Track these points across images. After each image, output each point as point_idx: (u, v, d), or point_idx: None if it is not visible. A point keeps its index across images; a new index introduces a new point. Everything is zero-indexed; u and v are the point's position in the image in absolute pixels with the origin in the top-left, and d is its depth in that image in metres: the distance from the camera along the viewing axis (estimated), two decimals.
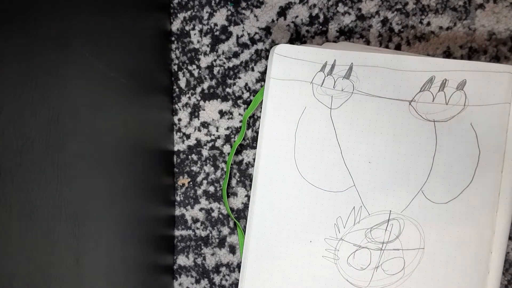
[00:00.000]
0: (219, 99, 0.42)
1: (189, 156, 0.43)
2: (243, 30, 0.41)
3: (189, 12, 0.42)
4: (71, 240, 0.26)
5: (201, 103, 0.43)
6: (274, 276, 0.39)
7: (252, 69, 0.42)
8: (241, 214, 0.43)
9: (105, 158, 0.30)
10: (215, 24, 0.42)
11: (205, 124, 0.43)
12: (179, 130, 0.43)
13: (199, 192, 0.43)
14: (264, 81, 0.41)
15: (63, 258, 0.26)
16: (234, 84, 0.42)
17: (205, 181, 0.43)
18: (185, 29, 0.42)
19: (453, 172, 0.37)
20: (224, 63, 0.42)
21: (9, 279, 0.21)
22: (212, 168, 0.43)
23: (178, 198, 0.44)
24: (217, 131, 0.43)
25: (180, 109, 0.43)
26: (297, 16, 0.41)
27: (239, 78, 0.42)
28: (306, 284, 0.38)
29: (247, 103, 0.42)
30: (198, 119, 0.43)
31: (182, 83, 0.43)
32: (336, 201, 0.38)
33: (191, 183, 0.43)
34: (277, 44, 0.40)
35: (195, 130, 0.43)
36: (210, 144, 0.43)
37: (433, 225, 0.37)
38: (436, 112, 0.37)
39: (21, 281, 0.22)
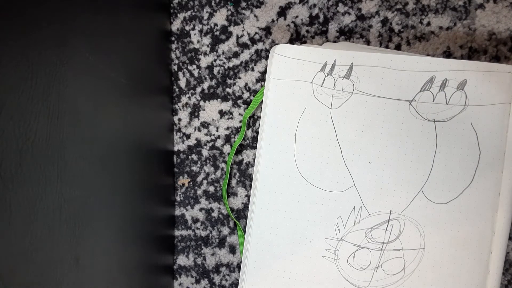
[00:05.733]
0: (219, 99, 0.42)
1: (189, 156, 0.43)
2: (243, 30, 0.41)
3: (189, 12, 0.42)
4: (71, 240, 0.26)
5: (201, 103, 0.43)
6: (274, 276, 0.39)
7: (252, 69, 0.42)
8: (241, 214, 0.43)
9: (105, 158, 0.30)
10: (215, 24, 0.42)
11: (205, 124, 0.43)
12: (179, 130, 0.43)
13: (199, 192, 0.43)
14: (264, 81, 0.41)
15: (63, 258, 0.26)
16: (234, 84, 0.42)
17: (205, 181, 0.43)
18: (185, 29, 0.42)
19: (453, 172, 0.37)
20: (224, 63, 0.42)
21: (9, 279, 0.21)
22: (212, 168, 0.43)
23: (178, 198, 0.44)
24: (217, 131, 0.43)
25: (180, 109, 0.43)
26: (297, 16, 0.41)
27: (239, 78, 0.42)
28: (306, 284, 0.38)
29: (247, 103, 0.42)
30: (198, 119, 0.43)
31: (182, 83, 0.43)
32: (336, 201, 0.38)
33: (191, 183, 0.43)
34: (277, 44, 0.40)
35: (195, 130, 0.43)
36: (210, 144, 0.43)
37: (433, 225, 0.37)
38: (437, 112, 0.37)
39: (21, 282, 0.22)
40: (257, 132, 0.42)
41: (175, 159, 0.44)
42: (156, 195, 0.40)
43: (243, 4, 0.41)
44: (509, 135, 0.36)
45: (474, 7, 0.39)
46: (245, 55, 0.42)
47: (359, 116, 0.38)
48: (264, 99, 0.39)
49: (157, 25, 0.40)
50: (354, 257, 0.38)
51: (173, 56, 0.43)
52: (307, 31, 0.41)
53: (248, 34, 0.41)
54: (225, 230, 0.43)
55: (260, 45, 0.41)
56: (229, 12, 0.41)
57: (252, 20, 0.41)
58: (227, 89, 0.42)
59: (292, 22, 0.41)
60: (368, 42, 0.40)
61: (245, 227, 0.43)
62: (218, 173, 0.43)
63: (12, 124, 0.21)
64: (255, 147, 0.42)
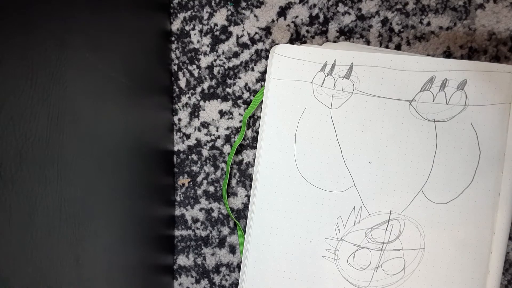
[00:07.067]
0: (219, 99, 0.42)
1: (189, 156, 0.43)
2: (243, 30, 0.41)
3: (189, 12, 0.42)
4: (71, 240, 0.26)
5: (201, 103, 0.43)
6: (274, 276, 0.39)
7: (252, 69, 0.42)
8: (241, 214, 0.43)
9: (105, 158, 0.30)
10: (215, 24, 0.42)
11: (205, 124, 0.43)
12: (179, 130, 0.43)
13: (199, 192, 0.43)
14: (264, 81, 0.41)
15: (63, 258, 0.26)
16: (234, 84, 0.42)
17: (205, 181, 0.43)
18: (185, 29, 0.42)
19: (453, 172, 0.37)
20: (224, 63, 0.42)
21: (9, 279, 0.21)
22: (212, 168, 0.43)
23: (178, 198, 0.44)
24: (217, 131, 0.43)
25: (180, 109, 0.43)
26: (297, 16, 0.41)
27: (239, 78, 0.42)
28: (306, 284, 0.38)
29: (247, 103, 0.42)
30: (198, 119, 0.43)
31: (182, 83, 0.43)
32: (336, 201, 0.38)
33: (191, 183, 0.43)
34: (277, 44, 0.40)
35: (195, 130, 0.43)
36: (210, 144, 0.43)
37: (433, 225, 0.37)
38: (437, 112, 0.37)
39: (21, 281, 0.22)
40: (257, 132, 0.42)
41: (175, 159, 0.44)
42: (156, 195, 0.40)
43: (243, 4, 0.41)
44: (509, 135, 0.36)
45: (474, 7, 0.39)
46: (245, 55, 0.42)
47: (359, 116, 0.38)
48: (264, 99, 0.39)
49: (157, 25, 0.40)
50: (354, 257, 0.38)
51: (173, 56, 0.43)
52: (307, 31, 0.41)
53: (248, 34, 0.41)
54: (225, 230, 0.43)
55: (260, 45, 0.41)
56: (229, 12, 0.41)
57: (252, 20, 0.41)
58: (227, 89, 0.42)
59: (292, 22, 0.41)
60: (368, 42, 0.40)
61: (245, 227, 0.43)
62: (218, 173, 0.43)
63: (12, 124, 0.21)
64: (255, 147, 0.42)
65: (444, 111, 0.37)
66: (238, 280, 0.42)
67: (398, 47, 0.40)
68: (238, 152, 0.42)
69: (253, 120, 0.42)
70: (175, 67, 0.43)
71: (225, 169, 0.43)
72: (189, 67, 0.42)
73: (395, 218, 0.37)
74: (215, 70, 0.42)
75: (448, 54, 0.39)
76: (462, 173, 0.37)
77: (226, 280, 0.44)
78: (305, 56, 0.38)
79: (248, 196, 0.43)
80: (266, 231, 0.39)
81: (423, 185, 0.37)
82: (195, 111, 0.43)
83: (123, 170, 0.33)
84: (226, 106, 0.42)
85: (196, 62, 0.42)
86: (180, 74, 0.43)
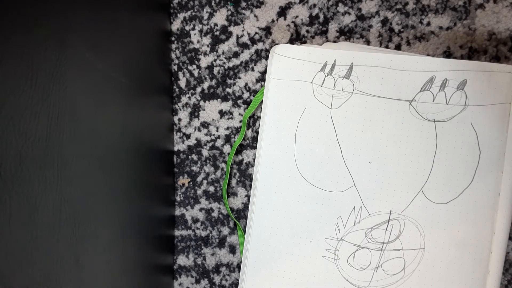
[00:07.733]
0: (219, 99, 0.42)
1: (189, 156, 0.43)
2: (243, 30, 0.41)
3: (189, 12, 0.42)
4: (71, 240, 0.26)
5: (201, 103, 0.43)
6: (274, 276, 0.39)
7: (252, 69, 0.42)
8: (241, 214, 0.43)
9: (105, 158, 0.30)
10: (215, 24, 0.42)
11: (205, 124, 0.43)
12: (179, 130, 0.43)
13: (199, 192, 0.43)
14: (264, 81, 0.41)
15: (63, 258, 0.26)
16: (234, 84, 0.42)
17: (205, 181, 0.43)
18: (185, 29, 0.42)
19: (453, 172, 0.37)
20: (224, 63, 0.42)
21: (9, 279, 0.21)
22: (212, 168, 0.43)
23: (178, 198, 0.44)
24: (217, 131, 0.43)
25: (180, 109, 0.43)
26: (297, 16, 0.41)
27: (239, 78, 0.42)
28: (306, 284, 0.38)
29: (247, 103, 0.42)
30: (198, 119, 0.43)
31: (182, 83, 0.43)
32: (336, 201, 0.38)
33: (191, 183, 0.43)
34: (277, 44, 0.40)
35: (195, 130, 0.43)
36: (210, 144, 0.43)
37: (433, 225, 0.37)
38: (437, 112, 0.37)
39: (21, 282, 0.22)
40: (257, 132, 0.42)
41: (175, 159, 0.44)
42: (156, 195, 0.40)
43: (243, 4, 0.41)
44: (509, 135, 0.36)
45: (474, 7, 0.39)
46: (245, 55, 0.42)
47: (359, 116, 0.38)
48: (264, 99, 0.39)
49: (157, 25, 0.40)
50: (354, 257, 0.38)
51: (173, 56, 0.43)
52: (307, 31, 0.41)
53: (248, 34, 0.41)
54: (225, 230, 0.43)
55: (260, 45, 0.41)
56: (229, 12, 0.41)
57: (252, 20, 0.41)
58: (227, 89, 0.42)
59: (292, 22, 0.41)
60: (368, 42, 0.40)
61: (245, 227, 0.43)
62: (218, 173, 0.43)
63: (12, 124, 0.21)
64: (255, 147, 0.42)
65: (444, 111, 0.37)
66: (238, 280, 0.42)
67: (398, 47, 0.40)
68: (238, 152, 0.42)
69: (253, 120, 0.42)
70: (175, 67, 0.43)
71: (225, 169, 0.43)
72: (189, 67, 0.42)
73: (395, 218, 0.37)
74: (215, 70, 0.42)
75: (448, 54, 0.39)
76: (462, 173, 0.37)
77: (226, 280, 0.44)
78: (305, 56, 0.38)
79: (248, 196, 0.43)
80: (266, 231, 0.39)
81: (423, 185, 0.37)
82: (195, 111, 0.43)
83: (123, 170, 0.33)
84: (226, 106, 0.42)
85: (196, 62, 0.42)
86: (180, 74, 0.43)
